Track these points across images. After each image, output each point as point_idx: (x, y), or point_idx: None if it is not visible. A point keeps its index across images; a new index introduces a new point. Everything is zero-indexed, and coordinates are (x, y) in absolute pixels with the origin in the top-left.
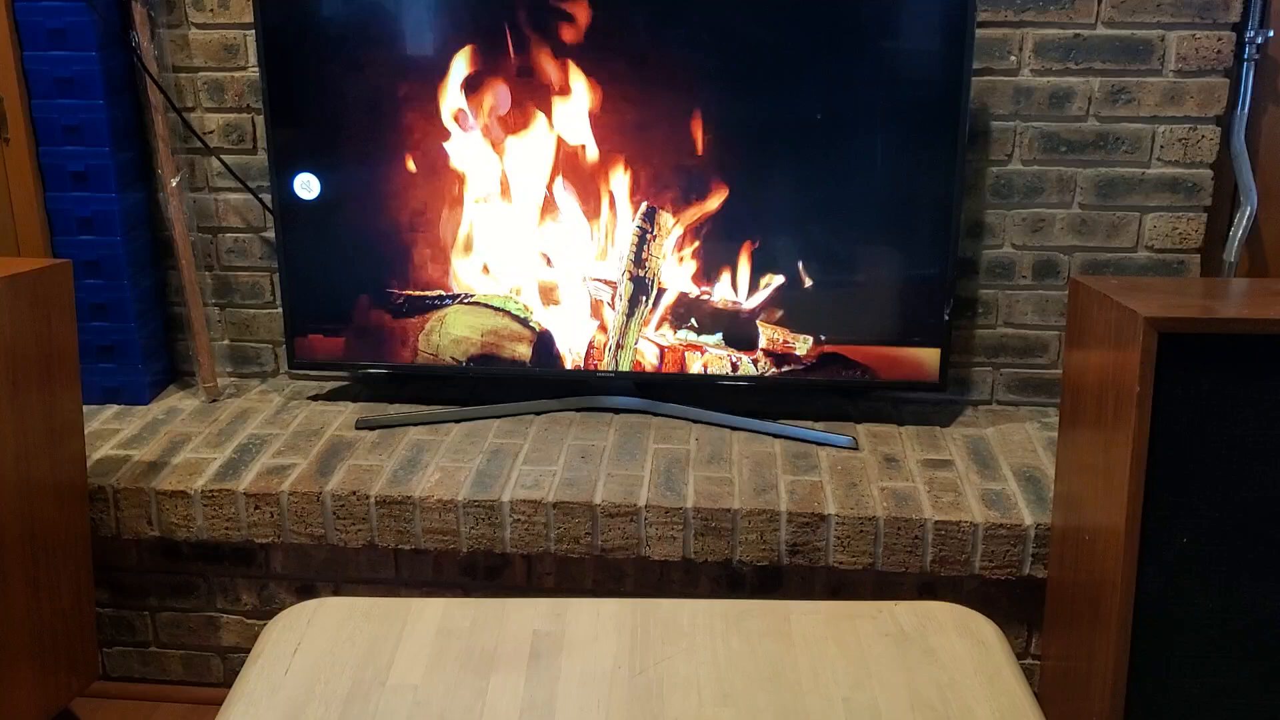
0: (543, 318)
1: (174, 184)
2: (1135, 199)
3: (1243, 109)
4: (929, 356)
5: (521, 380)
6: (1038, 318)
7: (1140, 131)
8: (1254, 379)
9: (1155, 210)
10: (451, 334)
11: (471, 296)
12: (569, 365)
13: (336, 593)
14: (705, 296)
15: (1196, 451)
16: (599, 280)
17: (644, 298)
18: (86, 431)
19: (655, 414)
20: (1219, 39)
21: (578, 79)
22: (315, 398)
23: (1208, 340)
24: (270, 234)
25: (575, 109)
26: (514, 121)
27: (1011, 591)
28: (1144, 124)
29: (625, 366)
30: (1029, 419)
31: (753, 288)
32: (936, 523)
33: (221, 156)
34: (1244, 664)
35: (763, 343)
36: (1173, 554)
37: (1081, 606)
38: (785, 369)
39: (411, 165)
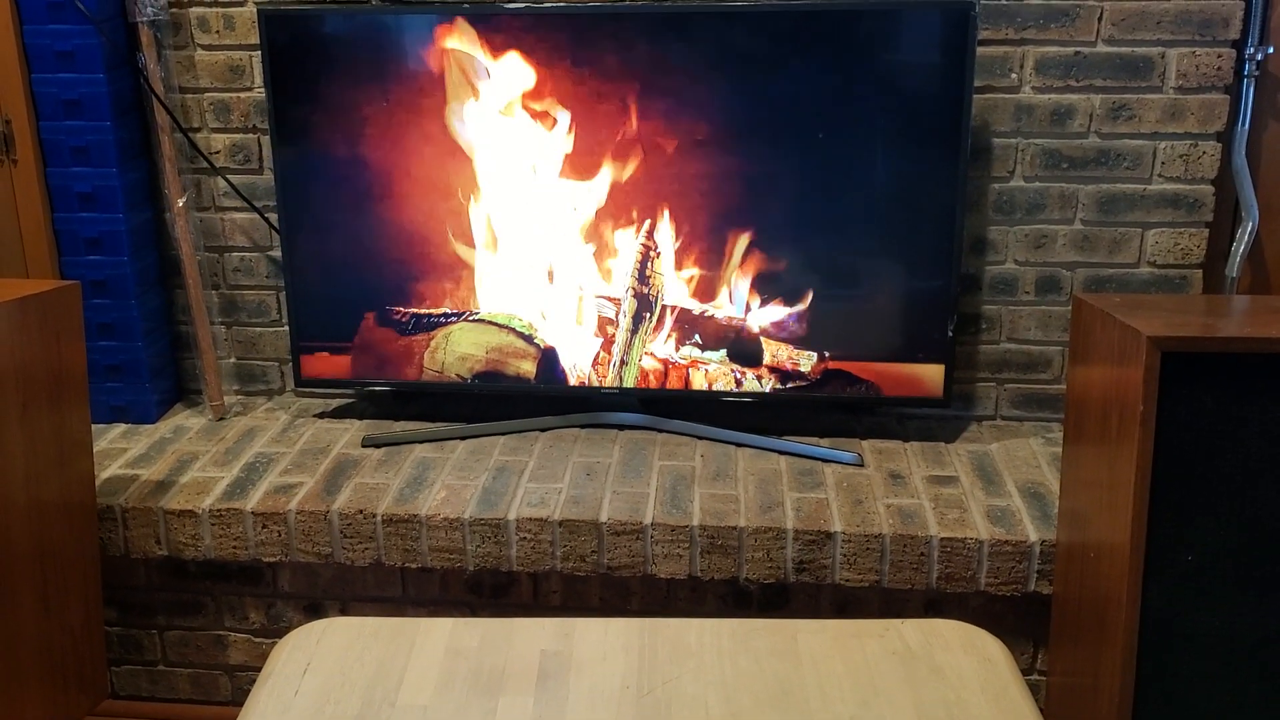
0: (547, 335)
1: (180, 204)
2: (1137, 215)
3: (1243, 125)
4: (933, 372)
5: (526, 397)
6: (1041, 333)
7: (1141, 148)
8: (1257, 397)
9: (1157, 226)
10: (457, 351)
11: (476, 314)
12: (573, 382)
13: (344, 611)
14: (709, 313)
15: (1201, 469)
16: (603, 297)
17: (648, 314)
18: (94, 450)
19: (660, 430)
20: (1219, 56)
21: (581, 98)
22: (321, 415)
23: (1211, 359)
24: (276, 253)
25: (579, 127)
26: (518, 140)
27: (1017, 608)
28: (1145, 140)
29: (630, 383)
30: (1033, 434)
31: (757, 304)
32: (942, 539)
33: (228, 176)
34: (1250, 681)
35: (767, 359)
36: (1178, 571)
37: (1087, 623)
38: (790, 385)
39: (416, 184)
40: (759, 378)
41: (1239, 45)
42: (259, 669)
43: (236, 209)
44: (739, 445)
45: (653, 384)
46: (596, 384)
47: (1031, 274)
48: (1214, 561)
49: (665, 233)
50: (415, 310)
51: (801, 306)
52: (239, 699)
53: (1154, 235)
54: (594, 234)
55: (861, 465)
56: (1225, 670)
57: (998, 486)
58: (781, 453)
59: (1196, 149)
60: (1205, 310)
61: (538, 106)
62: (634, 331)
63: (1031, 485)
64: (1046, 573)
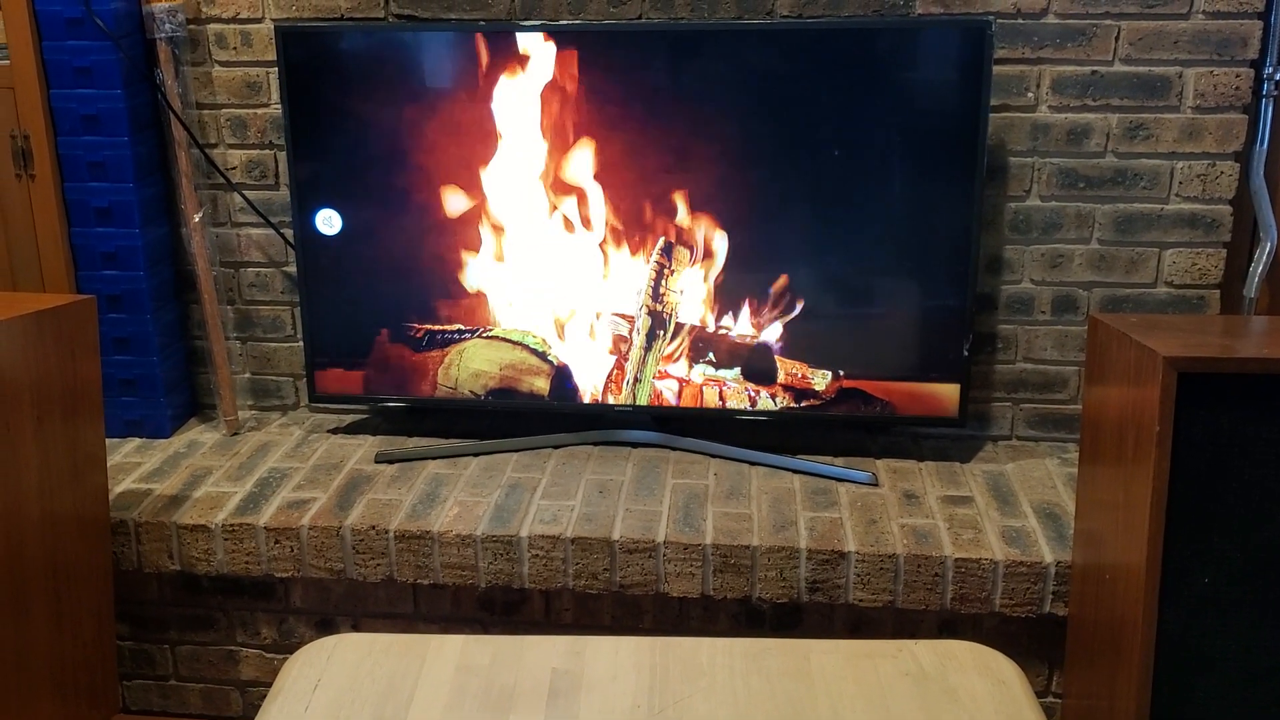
0: (560, 352)
1: (197, 219)
2: (1154, 235)
3: (1261, 145)
4: (948, 392)
5: (539, 414)
6: (1057, 353)
7: (1159, 167)
8: (1274, 418)
9: (1174, 246)
10: (470, 368)
11: (490, 330)
12: (587, 399)
13: (355, 627)
14: (723, 331)
15: (1217, 491)
16: (617, 315)
17: (661, 332)
18: (108, 464)
19: (673, 448)
20: (1237, 76)
21: (596, 116)
22: (335, 431)
23: (1228, 380)
24: (291, 268)
25: (594, 146)
26: (534, 158)
27: (1032, 629)
28: (1162, 160)
29: (643, 401)
30: (1049, 455)
31: (771, 322)
32: (956, 560)
33: (244, 192)
34: (1268, 705)
35: (781, 377)
36: (1194, 594)
37: (1103, 645)
38: (804, 404)
39: (431, 201)
40: (773, 396)
41: (1257, 65)
42: (270, 685)
43: (252, 224)
44: (752, 464)
45: (666, 402)
46: (610, 401)
47: (1048, 293)
48: (1231, 584)
49: (679, 251)
50: (429, 326)
51: (816, 325)
52: (250, 714)
53: (1171, 255)
54: (608, 251)
55: (876, 485)
56: (1242, 694)
57: (1013, 507)
58: (795, 471)
59: (1214, 169)
60: (1222, 331)
61: (553, 124)
62: (647, 349)
63: (1047, 506)
64: (1062, 594)
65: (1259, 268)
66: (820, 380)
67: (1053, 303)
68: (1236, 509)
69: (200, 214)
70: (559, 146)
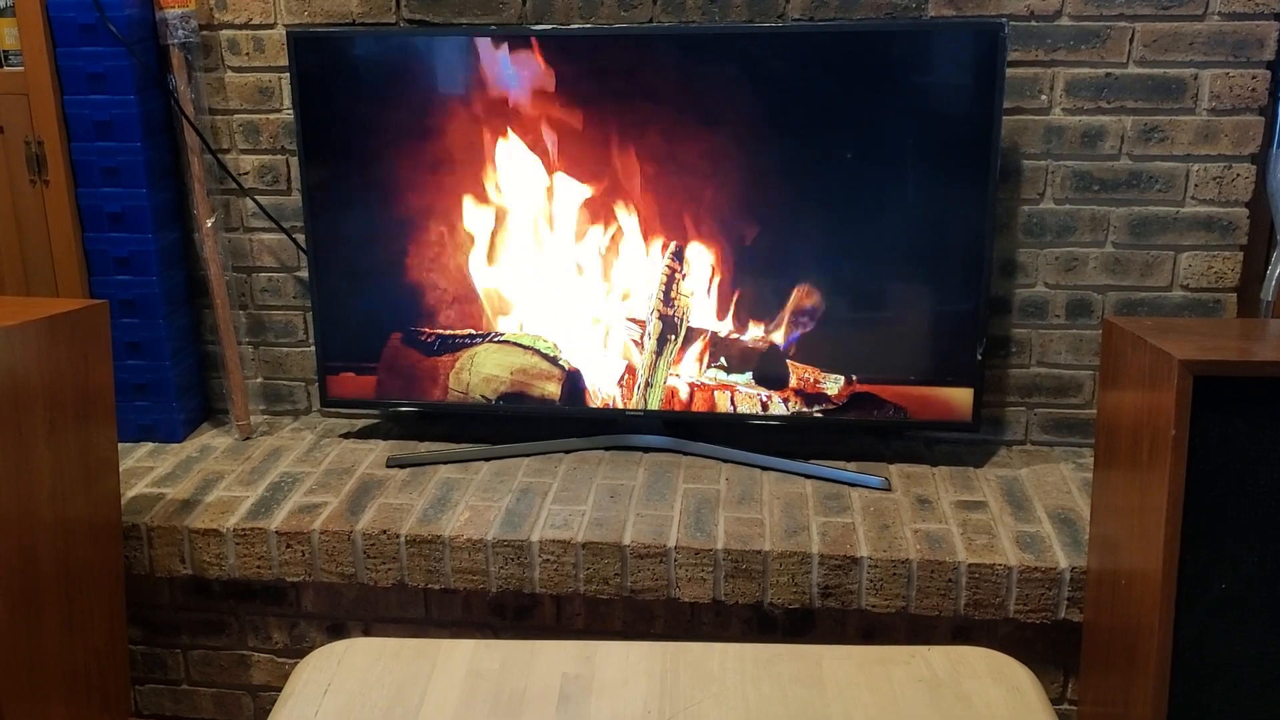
0: (572, 356)
1: (209, 224)
2: (1169, 238)
3: (1278, 147)
4: (962, 396)
5: (550, 419)
6: (1072, 357)
7: (1174, 170)
8: None
9: (1190, 249)
10: (481, 372)
11: (501, 335)
12: (598, 404)
13: (366, 632)
14: (735, 335)
15: (1234, 495)
16: (628, 319)
17: (673, 336)
18: (121, 469)
19: (685, 453)
20: (1253, 77)
21: (608, 120)
22: (347, 435)
23: (1244, 383)
24: (303, 273)
25: (605, 149)
26: (545, 162)
27: (1047, 635)
28: (1177, 162)
29: (654, 405)
30: (1063, 460)
31: (782, 326)
32: (970, 565)
33: (256, 197)
34: None
35: (793, 382)
36: (1211, 599)
37: (1118, 651)
38: (816, 408)
39: (442, 206)
40: (785, 400)
41: (1274, 66)
42: (281, 689)
43: (264, 229)
44: (764, 468)
45: (677, 406)
46: (621, 406)
47: (1062, 297)
48: (1247, 589)
49: (690, 254)
50: (440, 331)
51: (828, 329)
52: (261, 719)
53: (1187, 258)
54: (619, 255)
55: (889, 489)
56: (1258, 700)
57: (1027, 512)
58: (807, 476)
59: (1230, 171)
60: (1239, 334)
61: (564, 127)
62: (658, 353)
63: (1062, 511)
64: (1077, 600)
65: (1276, 270)
66: (832, 384)
67: (1067, 306)
68: (1253, 514)
69: (213, 219)
70: (570, 151)
